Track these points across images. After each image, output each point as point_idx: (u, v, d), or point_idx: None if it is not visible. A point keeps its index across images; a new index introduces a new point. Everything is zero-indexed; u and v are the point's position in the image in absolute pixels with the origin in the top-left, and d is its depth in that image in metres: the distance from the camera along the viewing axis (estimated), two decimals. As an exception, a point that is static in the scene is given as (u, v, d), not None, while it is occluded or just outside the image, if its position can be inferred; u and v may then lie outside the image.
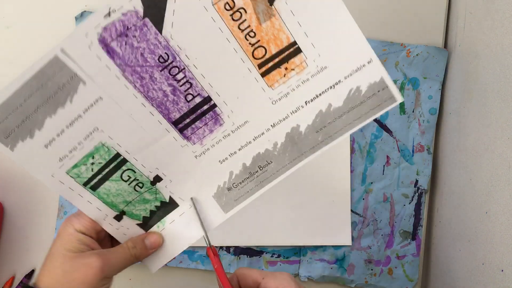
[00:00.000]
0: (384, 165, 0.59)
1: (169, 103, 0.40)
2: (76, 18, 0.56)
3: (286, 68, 0.41)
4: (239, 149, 0.43)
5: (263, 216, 0.59)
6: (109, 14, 0.35)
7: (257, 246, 0.60)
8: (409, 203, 0.60)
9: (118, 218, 0.43)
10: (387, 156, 0.59)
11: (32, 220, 0.59)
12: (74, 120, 0.37)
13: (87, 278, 0.39)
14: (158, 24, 0.37)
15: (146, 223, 0.44)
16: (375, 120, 0.59)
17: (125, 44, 0.37)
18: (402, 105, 0.59)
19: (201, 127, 0.42)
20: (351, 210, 0.59)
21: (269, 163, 0.44)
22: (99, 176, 0.41)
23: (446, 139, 0.58)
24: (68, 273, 0.39)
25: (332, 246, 0.60)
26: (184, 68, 0.39)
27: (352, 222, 0.59)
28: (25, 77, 0.35)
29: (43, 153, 0.38)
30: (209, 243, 0.43)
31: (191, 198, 0.44)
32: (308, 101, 0.42)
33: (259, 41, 0.40)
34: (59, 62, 0.35)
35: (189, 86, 0.40)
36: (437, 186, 0.60)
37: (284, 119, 0.43)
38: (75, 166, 0.39)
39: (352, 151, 0.59)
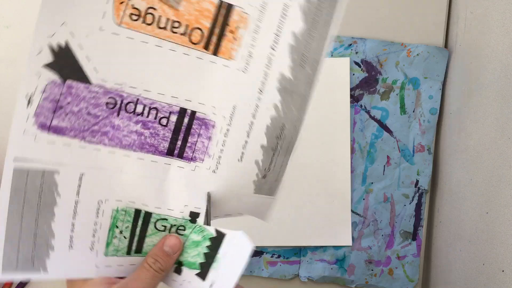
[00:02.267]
0: (384, 165, 0.59)
1: (149, 139, 0.37)
2: (76, 18, 0.56)
3: (231, 32, 0.37)
4: (247, 136, 0.39)
5: (263, 216, 0.59)
6: (29, 102, 0.34)
7: (257, 247, 0.60)
8: (410, 203, 0.60)
9: (178, 271, 0.39)
10: (388, 156, 0.59)
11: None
12: (74, 209, 0.36)
13: None
14: (82, 77, 0.35)
15: (203, 271, 0.39)
16: (376, 120, 0.59)
17: (66, 115, 0.34)
18: (402, 105, 0.59)
19: (197, 141, 0.39)
20: (352, 211, 0.59)
21: (283, 128, 0.40)
22: (136, 239, 0.38)
23: (446, 139, 0.58)
24: None
25: (333, 246, 0.60)
26: (138, 99, 0.36)
27: (353, 222, 0.59)
28: (4, 205, 0.33)
29: (71, 255, 0.36)
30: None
31: (207, 193, 0.40)
32: (273, 45, 0.38)
33: (187, 25, 0.36)
34: (21, 171, 0.34)
35: (155, 112, 0.37)
36: (438, 186, 0.60)
37: (265, 78, 0.38)
38: (108, 244, 0.37)
39: (353, 151, 0.59)
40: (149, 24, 0.35)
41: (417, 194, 0.60)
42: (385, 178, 0.59)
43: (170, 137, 0.38)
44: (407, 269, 0.60)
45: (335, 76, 0.58)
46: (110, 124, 0.36)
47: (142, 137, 0.37)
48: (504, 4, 0.44)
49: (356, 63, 0.58)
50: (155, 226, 0.39)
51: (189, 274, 0.39)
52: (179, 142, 0.38)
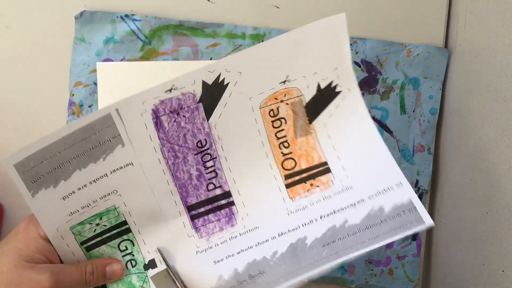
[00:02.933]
0: (384, 165, 0.59)
1: (190, 186, 0.40)
2: (76, 18, 0.56)
3: (311, 184, 0.42)
4: (238, 253, 0.41)
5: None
6: (170, 90, 0.36)
7: (257, 246, 0.60)
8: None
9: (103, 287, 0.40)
10: (388, 156, 0.59)
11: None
12: (99, 178, 0.37)
13: None
14: (209, 111, 0.38)
15: None
16: (376, 120, 0.59)
17: (174, 121, 0.37)
18: (402, 105, 0.59)
19: (213, 222, 0.41)
20: (351, 210, 0.59)
21: (261, 273, 0.40)
22: (98, 239, 0.39)
23: (446, 139, 0.58)
24: (13, 285, 0.35)
25: (332, 246, 0.60)
26: (215, 158, 0.40)
27: (353, 222, 0.59)
28: (74, 127, 0.34)
29: (58, 205, 0.37)
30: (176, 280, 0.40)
31: (158, 249, 0.41)
32: (324, 216, 0.41)
33: (291, 153, 0.41)
34: (109, 120, 0.35)
35: (214, 175, 0.40)
36: (438, 186, 0.60)
37: (293, 230, 0.41)
38: (81, 223, 0.38)
39: (352, 151, 0.59)
40: (273, 127, 0.40)
41: (417, 194, 0.60)
42: (385, 178, 0.59)
43: (202, 200, 0.40)
44: (407, 269, 0.60)
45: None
46: (186, 154, 0.39)
47: (189, 181, 0.40)
48: (504, 4, 0.44)
49: (356, 63, 0.58)
50: (119, 243, 0.40)
51: None
52: (202, 209, 0.41)
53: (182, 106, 0.37)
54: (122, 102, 0.35)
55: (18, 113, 0.57)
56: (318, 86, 0.40)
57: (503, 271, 0.42)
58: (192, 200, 0.40)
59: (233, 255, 0.41)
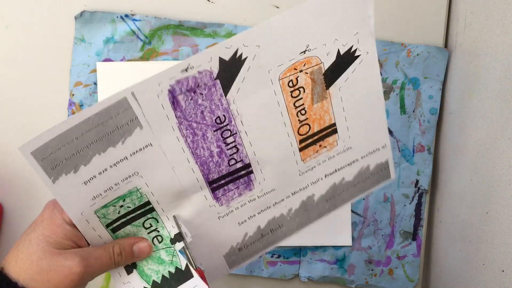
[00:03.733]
0: (384, 165, 0.59)
1: (212, 164, 0.40)
2: (76, 18, 0.56)
3: (320, 145, 0.44)
4: (258, 213, 0.44)
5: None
6: (186, 69, 0.36)
7: (257, 246, 0.60)
8: (410, 203, 0.60)
9: (129, 270, 0.41)
10: (388, 156, 0.59)
11: (32, 221, 0.59)
12: (119, 161, 0.37)
13: (64, 282, 0.36)
14: (226, 87, 0.38)
15: None
16: (376, 120, 0.59)
17: (191, 99, 0.37)
18: (402, 105, 0.59)
19: (232, 190, 0.42)
20: (352, 211, 0.59)
21: (280, 227, 0.46)
22: (123, 220, 0.40)
23: (446, 139, 0.58)
24: (44, 272, 0.35)
25: (332, 246, 0.60)
26: (235, 133, 0.40)
27: (353, 222, 0.59)
28: (89, 112, 0.34)
29: (80, 190, 0.36)
30: (194, 265, 0.41)
31: (173, 216, 0.42)
32: (328, 174, 0.46)
33: (307, 119, 0.42)
34: (125, 104, 0.35)
35: (235, 151, 0.40)
36: (438, 186, 0.60)
37: (304, 188, 0.45)
38: (105, 206, 0.38)
39: (352, 151, 0.59)
40: (292, 97, 0.41)
41: (417, 194, 0.60)
42: (385, 178, 0.59)
43: (223, 174, 0.41)
44: (407, 269, 0.60)
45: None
46: (205, 131, 0.39)
47: (210, 159, 0.40)
48: (504, 4, 0.44)
49: (356, 63, 0.58)
50: (144, 221, 0.41)
51: (136, 281, 0.41)
52: (222, 181, 0.42)
53: (199, 84, 0.37)
54: (137, 85, 0.35)
55: (18, 113, 0.57)
56: (338, 52, 0.41)
57: (503, 271, 0.42)
58: (214, 176, 0.41)
59: (254, 215, 0.44)
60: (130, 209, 0.40)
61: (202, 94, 0.37)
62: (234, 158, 0.41)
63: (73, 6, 0.56)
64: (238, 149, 0.41)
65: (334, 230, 0.59)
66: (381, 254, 0.60)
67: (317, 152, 0.44)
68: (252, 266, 0.60)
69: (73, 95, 0.57)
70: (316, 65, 0.40)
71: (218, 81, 0.37)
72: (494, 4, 0.47)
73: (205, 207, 0.42)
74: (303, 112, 0.41)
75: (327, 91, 0.42)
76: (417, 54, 0.58)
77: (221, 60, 0.37)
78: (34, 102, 0.57)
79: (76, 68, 0.56)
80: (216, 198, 0.42)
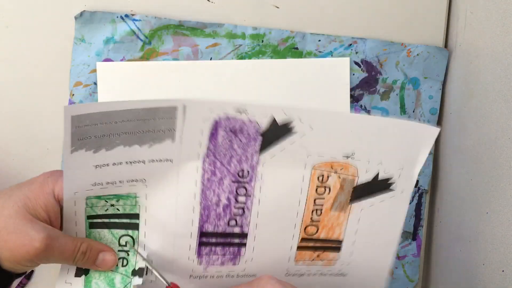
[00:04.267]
0: (384, 165, 0.59)
1: (214, 213, 0.39)
2: (76, 18, 0.56)
3: (318, 256, 0.42)
4: None
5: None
6: (240, 112, 0.36)
7: (257, 246, 0.59)
8: (410, 203, 0.60)
9: (78, 273, 0.39)
10: (388, 156, 0.59)
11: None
12: (136, 161, 0.36)
13: (19, 250, 0.34)
14: (264, 147, 0.38)
15: None
16: (376, 120, 0.59)
17: (229, 140, 0.37)
18: (402, 105, 0.59)
19: (217, 254, 0.41)
20: (351, 210, 0.59)
21: None
22: (105, 220, 0.39)
23: (446, 139, 0.58)
24: (6, 231, 0.34)
25: (332, 246, 0.60)
26: (250, 196, 0.39)
27: (352, 222, 0.59)
28: (140, 104, 0.34)
29: (88, 171, 0.36)
30: (168, 283, 0.39)
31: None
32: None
33: (319, 221, 0.41)
34: (173, 112, 0.35)
35: (241, 213, 0.39)
36: (438, 186, 0.60)
37: None
38: (98, 197, 0.38)
39: (352, 151, 0.59)
40: (317, 193, 0.40)
41: (417, 194, 0.59)
42: (385, 178, 0.59)
43: (218, 232, 0.40)
44: (407, 269, 0.60)
45: (335, 76, 0.58)
46: (223, 175, 0.38)
47: (214, 206, 0.39)
48: (504, 4, 0.44)
49: (356, 63, 0.58)
50: (121, 236, 0.39)
51: (78, 287, 0.39)
52: (213, 240, 0.40)
53: (243, 131, 0.37)
54: (192, 100, 0.35)
55: (18, 113, 0.57)
56: (377, 175, 0.40)
57: (503, 271, 0.42)
58: (209, 228, 0.39)
59: None
60: (118, 212, 0.39)
61: (241, 141, 0.37)
62: (235, 220, 0.40)
63: (73, 6, 0.56)
64: (244, 213, 0.39)
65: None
66: (381, 254, 0.60)
67: (312, 260, 0.42)
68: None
69: (73, 95, 0.57)
70: (352, 175, 0.40)
71: (260, 138, 0.37)
72: (494, 4, 0.47)
73: (184, 257, 0.40)
74: (319, 213, 0.40)
75: (350, 205, 0.41)
76: (417, 54, 0.58)
77: (273, 122, 0.37)
78: (34, 102, 0.57)
79: (76, 68, 0.56)
80: (199, 255, 0.40)
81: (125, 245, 0.39)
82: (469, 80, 0.52)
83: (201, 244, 0.40)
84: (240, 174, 0.38)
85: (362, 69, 0.58)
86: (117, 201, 0.38)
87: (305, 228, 0.41)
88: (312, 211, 0.40)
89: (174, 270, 0.41)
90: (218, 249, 0.40)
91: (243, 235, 0.40)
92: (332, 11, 0.58)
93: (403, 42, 0.58)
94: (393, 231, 0.42)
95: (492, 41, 0.47)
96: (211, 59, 0.57)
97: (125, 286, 0.39)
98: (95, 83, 0.56)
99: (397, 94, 0.58)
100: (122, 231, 0.39)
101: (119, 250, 0.39)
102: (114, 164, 0.36)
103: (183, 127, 0.36)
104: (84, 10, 0.56)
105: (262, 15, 0.57)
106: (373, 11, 0.58)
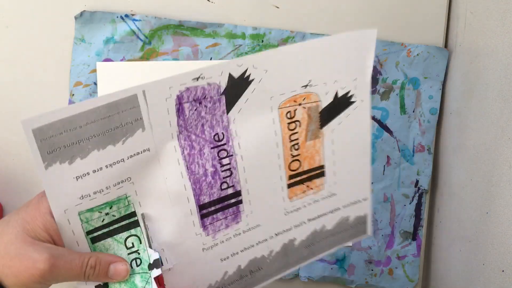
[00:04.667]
0: (384, 165, 0.59)
1: (205, 184, 0.39)
2: (76, 18, 0.56)
3: (307, 186, 0.43)
4: (241, 251, 0.43)
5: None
6: (197, 78, 0.36)
7: (257, 246, 0.60)
8: (410, 203, 0.60)
9: (103, 285, 0.38)
10: (388, 156, 0.59)
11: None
12: (116, 162, 0.35)
13: (23, 274, 0.33)
14: (230, 104, 0.38)
15: None
16: (376, 120, 0.59)
17: (195, 109, 0.37)
18: (402, 105, 0.59)
19: (220, 219, 0.41)
20: (351, 210, 0.59)
21: (259, 269, 0.44)
22: (105, 230, 0.37)
23: (446, 139, 0.58)
24: (9, 256, 0.33)
25: (332, 246, 0.60)
26: (232, 155, 0.39)
27: (352, 222, 0.59)
28: (99, 102, 0.33)
29: (70, 184, 0.35)
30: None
31: (142, 214, 0.39)
32: (311, 219, 0.45)
33: (299, 155, 0.42)
34: (135, 101, 0.34)
35: (229, 174, 0.40)
36: (438, 186, 0.60)
37: (287, 230, 0.44)
38: (90, 210, 0.36)
39: (352, 151, 0.59)
40: (289, 129, 0.41)
41: (417, 194, 0.60)
42: (385, 178, 0.59)
43: (214, 199, 0.40)
44: (407, 269, 0.60)
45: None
46: (202, 146, 0.38)
47: (203, 178, 0.39)
48: (504, 4, 0.44)
49: (356, 63, 0.58)
50: (126, 238, 0.38)
51: None
52: (212, 208, 0.40)
53: (205, 96, 0.37)
54: (149, 84, 0.34)
55: (18, 113, 0.57)
56: (336, 94, 0.41)
57: (503, 271, 0.42)
58: (205, 199, 0.40)
59: (237, 253, 0.42)
60: (114, 218, 0.37)
61: (206, 106, 0.37)
62: (226, 182, 0.40)
63: (73, 6, 0.56)
64: (232, 173, 0.40)
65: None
66: (381, 254, 0.60)
67: (304, 192, 0.43)
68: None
69: (73, 95, 0.57)
70: (315, 102, 0.41)
71: (223, 97, 0.37)
72: (494, 4, 0.47)
73: (191, 234, 0.40)
74: (296, 147, 0.42)
75: (321, 130, 0.42)
76: (417, 54, 0.58)
77: (230, 76, 0.37)
78: (34, 102, 0.57)
79: (76, 68, 0.56)
80: (204, 227, 0.40)
81: (133, 246, 0.39)
82: (469, 80, 0.52)
83: (202, 216, 0.40)
84: (216, 138, 0.39)
85: (362, 69, 0.58)
86: (111, 208, 0.37)
87: (289, 166, 0.42)
88: (291, 148, 0.41)
89: (187, 250, 0.41)
90: (219, 214, 0.41)
91: (237, 193, 0.41)
92: (332, 11, 0.58)
93: (403, 42, 0.58)
94: (364, 138, 0.44)
95: (492, 41, 0.47)
96: (211, 59, 0.57)
97: (147, 282, 0.38)
98: (95, 83, 0.56)
99: (397, 94, 0.58)
100: (125, 234, 0.38)
101: (128, 254, 0.39)
102: (94, 171, 0.35)
103: (148, 113, 0.35)
104: (84, 10, 0.56)
105: (262, 15, 0.57)
106: (373, 11, 0.58)
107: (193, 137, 0.38)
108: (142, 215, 0.38)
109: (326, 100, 0.41)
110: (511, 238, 0.41)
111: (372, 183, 0.59)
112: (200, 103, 0.37)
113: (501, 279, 0.42)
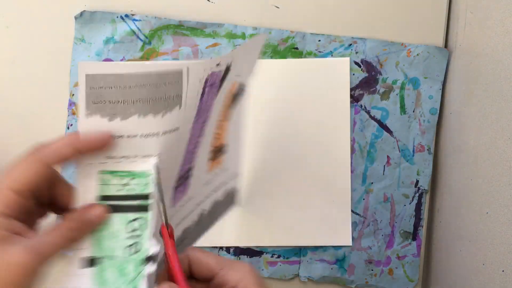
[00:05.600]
0: (384, 165, 0.59)
1: (187, 162, 0.41)
2: (76, 18, 0.56)
3: (217, 162, 0.48)
4: (183, 219, 0.45)
5: (263, 216, 0.59)
6: (217, 64, 0.37)
7: (257, 247, 0.60)
8: (410, 203, 0.60)
9: (90, 263, 0.35)
10: (388, 156, 0.59)
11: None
12: (151, 134, 0.34)
13: (7, 282, 0.28)
14: (218, 89, 0.41)
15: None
16: (376, 120, 0.59)
17: (208, 95, 0.38)
18: (402, 105, 0.59)
19: (180, 192, 0.42)
20: (351, 210, 0.59)
21: (185, 239, 0.46)
22: (116, 203, 0.35)
23: (446, 139, 0.58)
24: None
25: (332, 246, 0.60)
26: (203, 135, 0.42)
27: (353, 222, 0.59)
28: (151, 68, 0.32)
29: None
30: (166, 221, 0.36)
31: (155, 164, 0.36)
32: (214, 190, 0.49)
33: (218, 133, 0.45)
34: (180, 76, 0.34)
35: (196, 151, 0.41)
36: (438, 186, 0.60)
37: (203, 201, 0.48)
38: (113, 172, 0.34)
39: (353, 151, 0.59)
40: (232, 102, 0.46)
41: (417, 194, 0.60)
42: (385, 178, 0.59)
43: (180, 176, 0.42)
44: (407, 269, 0.60)
45: (335, 76, 0.58)
46: (197, 129, 0.40)
47: (188, 156, 0.41)
48: (504, 4, 0.44)
49: (356, 63, 0.58)
50: (131, 221, 0.35)
51: (87, 277, 0.35)
52: (179, 183, 0.42)
53: (215, 82, 0.38)
54: (192, 63, 0.35)
55: (18, 113, 0.57)
56: (240, 84, 0.46)
57: (503, 271, 0.42)
58: (183, 169, 0.42)
59: (183, 219, 0.45)
60: (130, 194, 0.35)
61: (212, 92, 0.38)
62: (193, 159, 0.42)
63: (73, 6, 0.56)
64: (197, 151, 0.42)
65: (334, 230, 0.59)
66: (381, 254, 0.60)
67: (214, 166, 0.48)
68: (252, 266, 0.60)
69: (73, 95, 0.57)
70: (233, 86, 0.45)
71: (219, 84, 0.39)
72: (494, 4, 0.47)
73: (193, 212, 0.45)
74: (218, 125, 0.45)
75: (231, 112, 0.47)
76: (417, 54, 0.58)
77: (227, 66, 0.39)
78: (34, 102, 0.57)
79: (76, 68, 0.56)
80: (174, 199, 0.41)
81: (135, 230, 0.35)
82: (469, 80, 0.52)
83: (175, 189, 0.42)
84: (201, 121, 0.40)
85: (362, 69, 0.58)
86: (133, 179, 0.35)
87: (213, 143, 0.45)
88: (217, 126, 0.45)
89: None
90: (180, 187, 0.42)
91: (191, 168, 0.43)
92: (332, 11, 0.58)
93: (403, 42, 0.58)
94: (244, 120, 0.50)
95: (492, 41, 0.47)
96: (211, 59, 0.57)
97: (138, 274, 0.35)
98: (95, 83, 0.56)
99: (397, 94, 0.58)
100: (131, 215, 0.35)
101: (127, 238, 0.35)
102: (128, 136, 0.33)
103: (187, 91, 0.34)
104: (84, 10, 0.56)
105: (262, 15, 0.57)
106: (373, 11, 0.58)
107: (200, 121, 0.38)
108: (156, 199, 0.36)
109: (235, 88, 0.46)
110: (511, 238, 0.41)
111: (372, 183, 0.59)
112: (211, 88, 0.38)
113: (501, 279, 0.42)
